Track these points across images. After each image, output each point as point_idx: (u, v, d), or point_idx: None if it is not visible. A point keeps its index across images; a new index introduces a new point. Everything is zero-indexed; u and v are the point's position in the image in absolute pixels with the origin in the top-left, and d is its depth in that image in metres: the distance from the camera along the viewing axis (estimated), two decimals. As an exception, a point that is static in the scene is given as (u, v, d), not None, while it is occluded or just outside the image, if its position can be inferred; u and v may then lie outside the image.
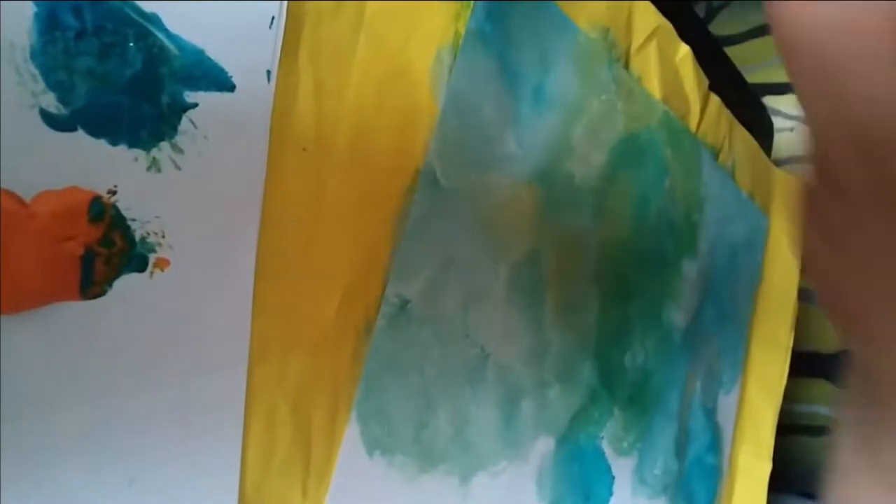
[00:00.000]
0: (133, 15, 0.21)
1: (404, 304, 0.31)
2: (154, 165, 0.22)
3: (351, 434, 0.29)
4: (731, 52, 0.63)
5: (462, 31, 0.32)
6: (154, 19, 0.22)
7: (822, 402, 0.77)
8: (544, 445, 0.39)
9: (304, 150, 0.26)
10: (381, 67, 0.29)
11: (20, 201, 0.19)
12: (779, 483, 0.63)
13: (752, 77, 0.75)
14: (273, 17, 0.25)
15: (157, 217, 0.22)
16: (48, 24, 0.19)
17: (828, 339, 0.77)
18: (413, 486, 0.32)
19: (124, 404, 0.22)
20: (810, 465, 0.76)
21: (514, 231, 0.36)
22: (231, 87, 0.24)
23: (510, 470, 0.37)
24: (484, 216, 0.34)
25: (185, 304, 0.24)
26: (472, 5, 0.32)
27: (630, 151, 0.44)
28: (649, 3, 0.45)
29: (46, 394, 0.21)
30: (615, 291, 0.44)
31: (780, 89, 0.80)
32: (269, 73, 0.25)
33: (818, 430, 0.78)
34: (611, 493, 0.44)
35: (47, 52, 0.19)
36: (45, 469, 0.21)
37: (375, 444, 0.30)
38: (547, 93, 0.37)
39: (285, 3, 0.25)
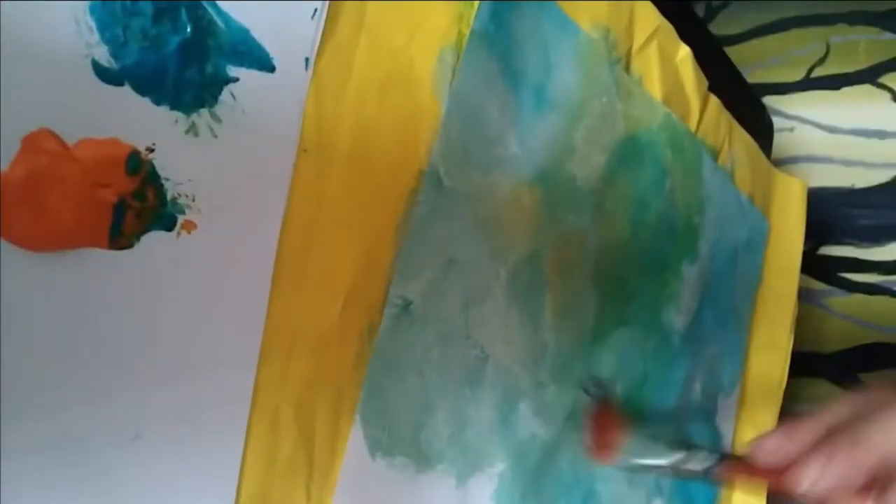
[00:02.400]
0: (187, -13, 0.22)
1: (407, 304, 0.31)
2: (192, 130, 0.23)
3: (355, 436, 0.30)
4: (731, 51, 0.65)
5: (465, 31, 0.32)
6: (206, -6, 0.23)
7: (821, 403, 0.77)
8: (541, 446, 0.39)
9: (304, 150, 0.27)
10: (383, 68, 0.29)
11: (62, 143, 0.20)
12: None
13: (752, 77, 0.77)
14: (316, 10, 0.26)
15: (190, 180, 0.23)
16: (110, -19, 0.20)
17: (827, 340, 0.77)
18: (411, 487, 0.31)
19: (134, 359, 0.23)
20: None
21: (515, 232, 0.37)
22: (271, 68, 0.25)
23: (507, 471, 0.37)
24: (486, 217, 0.34)
25: (207, 271, 0.24)
26: (475, 6, 0.32)
27: (630, 153, 0.44)
28: (650, 4, 0.45)
29: (62, 338, 0.21)
30: (614, 293, 0.44)
31: (779, 89, 0.82)
32: (307, 60, 0.26)
33: (818, 431, 0.77)
34: (607, 494, 0.43)
35: (106, 7, 0.21)
36: (48, 415, 0.21)
37: (377, 446, 0.30)
38: (549, 94, 0.37)
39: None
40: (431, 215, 0.31)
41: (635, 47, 0.45)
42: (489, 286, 0.35)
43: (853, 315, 0.77)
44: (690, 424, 0.53)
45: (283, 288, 0.27)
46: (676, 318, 0.50)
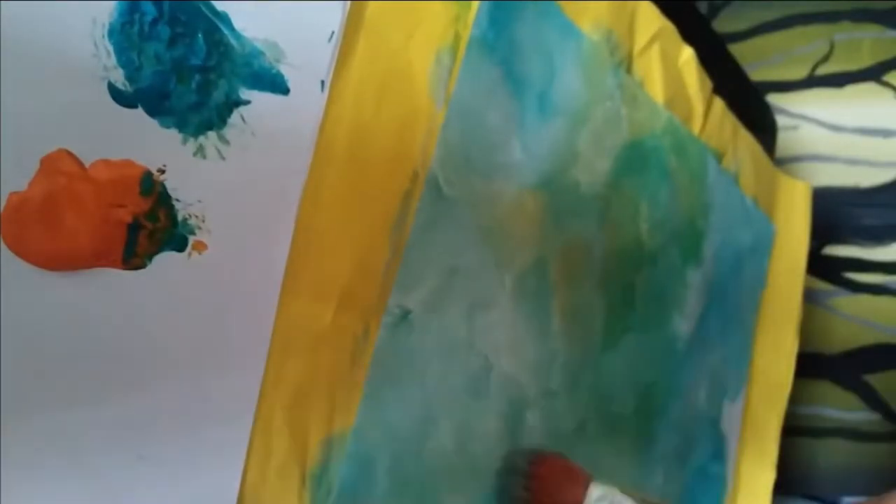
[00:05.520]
0: (205, 11, 0.23)
1: (406, 313, 0.32)
2: (200, 151, 0.24)
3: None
4: (734, 49, 0.65)
5: (462, 32, 0.33)
6: (224, 17, 0.24)
7: (825, 404, 0.79)
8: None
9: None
10: (381, 68, 0.30)
11: (79, 164, 0.21)
12: (781, 485, 0.64)
13: (755, 75, 0.78)
14: (332, 32, 0.27)
15: (200, 201, 0.24)
16: (129, 7, 0.21)
17: (831, 341, 0.78)
18: (416, 499, 0.32)
19: (144, 380, 0.24)
20: (813, 468, 0.76)
21: (520, 239, 0.37)
22: (285, 91, 0.26)
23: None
24: (488, 224, 0.35)
25: (217, 291, 0.25)
26: (471, 7, 0.33)
27: (634, 158, 0.45)
28: (652, 4, 0.46)
29: (75, 359, 0.22)
30: (620, 299, 0.45)
31: (783, 87, 0.83)
32: (322, 83, 0.27)
33: (821, 432, 0.79)
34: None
35: (124, 31, 0.22)
36: (56, 435, 0.22)
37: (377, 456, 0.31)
38: (552, 99, 0.38)
39: (343, 18, 0.27)
40: (431, 224, 0.32)
41: (636, 49, 0.45)
42: (494, 295, 0.36)
43: (858, 315, 0.78)
44: (695, 431, 0.54)
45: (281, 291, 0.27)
46: (681, 323, 0.51)
